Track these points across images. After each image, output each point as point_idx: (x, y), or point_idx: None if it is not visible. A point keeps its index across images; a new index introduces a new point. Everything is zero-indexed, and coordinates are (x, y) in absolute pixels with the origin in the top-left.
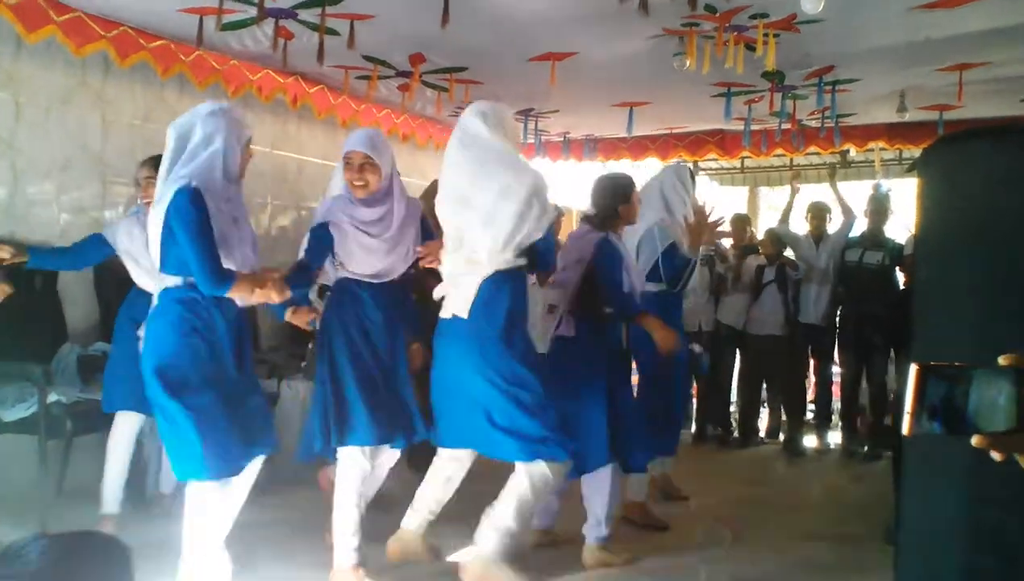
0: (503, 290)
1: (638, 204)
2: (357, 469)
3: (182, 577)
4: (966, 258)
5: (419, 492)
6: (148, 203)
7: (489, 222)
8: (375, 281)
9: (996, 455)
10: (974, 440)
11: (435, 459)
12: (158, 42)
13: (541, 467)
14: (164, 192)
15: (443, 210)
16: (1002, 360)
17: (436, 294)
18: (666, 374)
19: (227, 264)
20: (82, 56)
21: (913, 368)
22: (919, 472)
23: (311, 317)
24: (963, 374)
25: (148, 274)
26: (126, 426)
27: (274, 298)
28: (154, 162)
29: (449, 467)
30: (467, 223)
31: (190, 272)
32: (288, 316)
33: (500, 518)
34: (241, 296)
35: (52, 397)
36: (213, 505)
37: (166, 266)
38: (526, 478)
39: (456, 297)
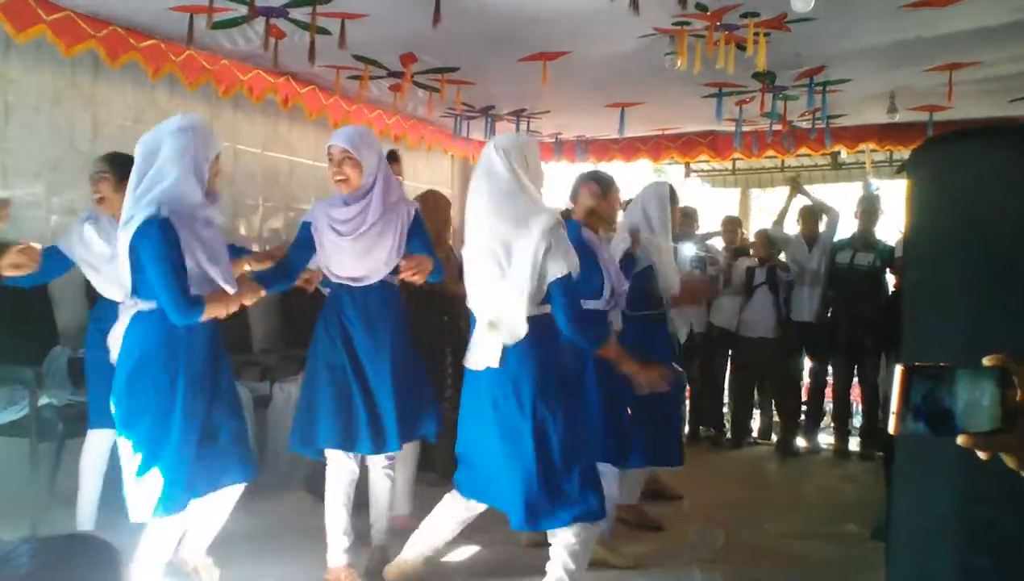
0: (534, 338)
1: (617, 202)
2: (342, 470)
3: None
4: (956, 259)
5: (426, 526)
6: (101, 200)
7: (510, 269)
8: (354, 284)
9: (982, 454)
10: (959, 440)
11: (449, 499)
12: (148, 42)
13: (574, 531)
14: (133, 214)
15: (472, 249)
16: (986, 361)
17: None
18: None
19: (206, 284)
20: (72, 56)
21: (898, 369)
22: (910, 469)
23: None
24: (948, 374)
25: (111, 283)
26: (97, 445)
27: (248, 302)
28: (110, 159)
29: (464, 514)
30: (491, 275)
31: None
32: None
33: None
34: (214, 316)
35: (43, 400)
36: (163, 539)
37: (139, 291)
38: (561, 547)
39: (484, 347)
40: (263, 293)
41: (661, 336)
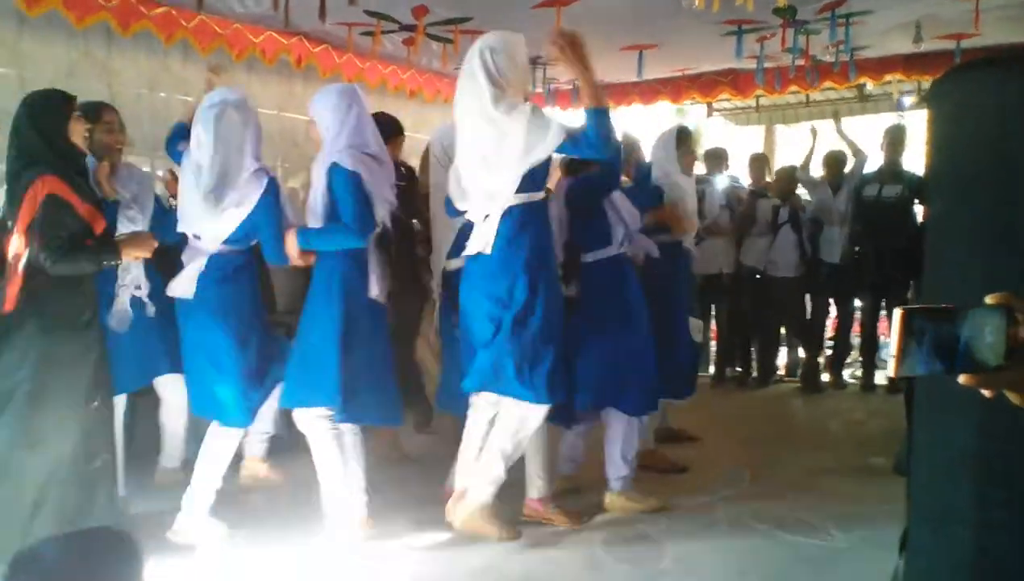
0: (526, 226)
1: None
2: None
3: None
4: (978, 192)
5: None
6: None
7: (494, 165)
8: None
9: (986, 392)
10: (962, 378)
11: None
12: (159, 9)
13: (520, 407)
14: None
15: (458, 150)
16: (989, 299)
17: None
18: (663, 317)
19: None
20: (84, 28)
21: (896, 312)
22: (929, 405)
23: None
24: (950, 314)
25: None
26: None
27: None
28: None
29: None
30: (475, 164)
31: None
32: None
33: (486, 464)
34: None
35: None
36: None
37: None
38: (506, 417)
39: (478, 235)
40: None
41: (681, 266)
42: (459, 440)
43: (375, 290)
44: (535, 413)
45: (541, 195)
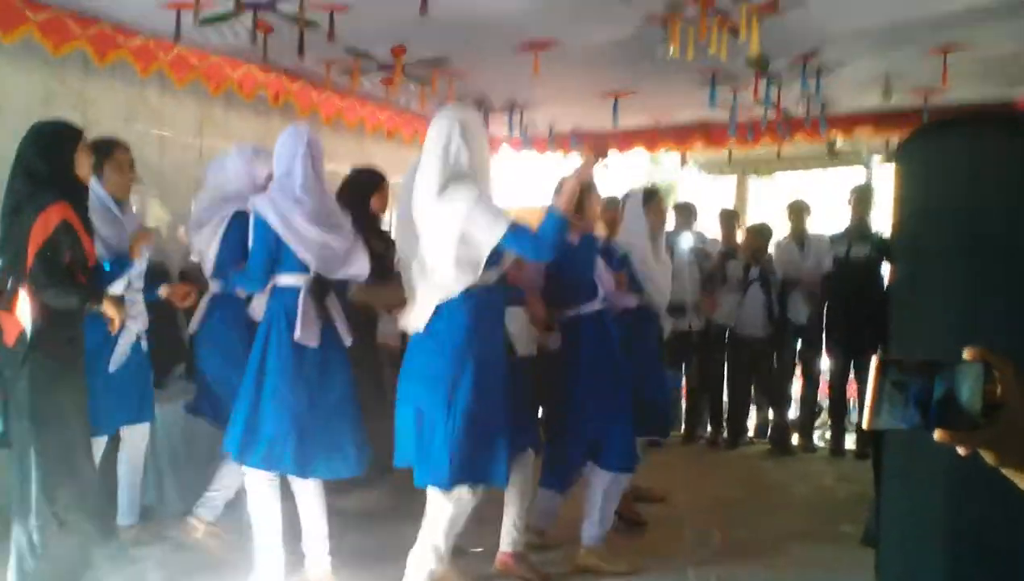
0: (464, 308)
1: (597, 200)
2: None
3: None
4: (943, 255)
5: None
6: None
7: (435, 248)
8: None
9: (961, 450)
10: (936, 435)
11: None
12: (137, 40)
13: (435, 494)
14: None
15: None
16: (967, 354)
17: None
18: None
19: None
20: (60, 56)
21: (873, 360)
22: (897, 469)
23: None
24: (927, 366)
25: None
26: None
27: None
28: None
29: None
30: (419, 244)
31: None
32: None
33: (417, 557)
34: None
35: None
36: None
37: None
38: (429, 506)
39: (416, 312)
40: None
41: (649, 330)
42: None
43: (298, 334)
44: (449, 501)
45: (490, 277)
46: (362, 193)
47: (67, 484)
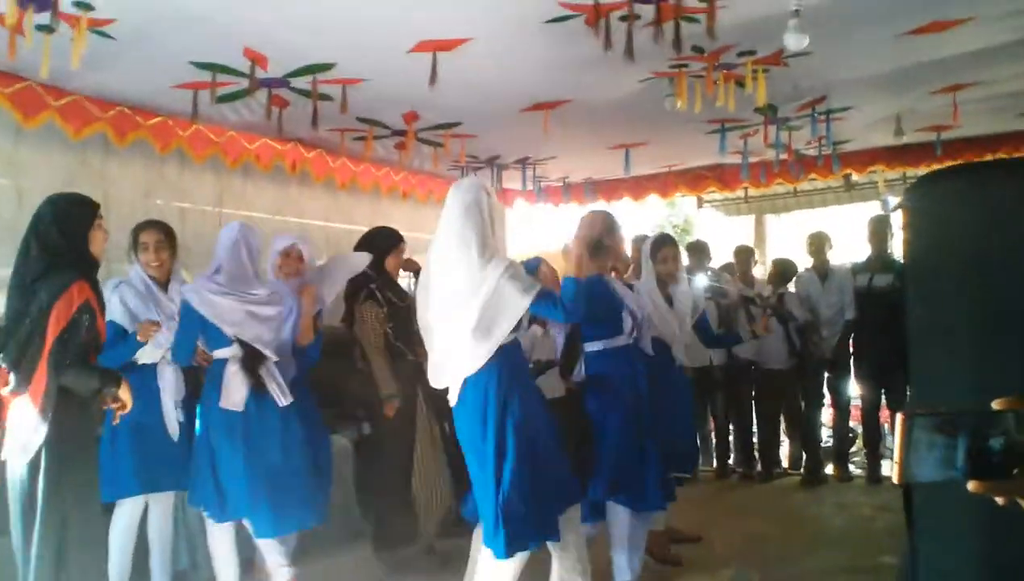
0: (492, 373)
1: (621, 240)
2: None
3: None
4: (957, 297)
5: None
6: (160, 265)
7: (463, 318)
8: None
9: (998, 500)
10: (970, 486)
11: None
12: (155, 119)
13: (489, 559)
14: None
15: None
16: (996, 404)
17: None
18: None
19: None
20: (80, 138)
21: (899, 416)
22: (930, 509)
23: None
24: (955, 418)
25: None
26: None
27: None
28: (166, 229)
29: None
30: (446, 312)
31: None
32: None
33: None
34: None
35: None
36: None
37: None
38: (481, 564)
39: (447, 382)
40: None
41: (672, 365)
42: None
43: (224, 402)
44: (504, 569)
45: (512, 336)
46: (377, 251)
47: (90, 562)
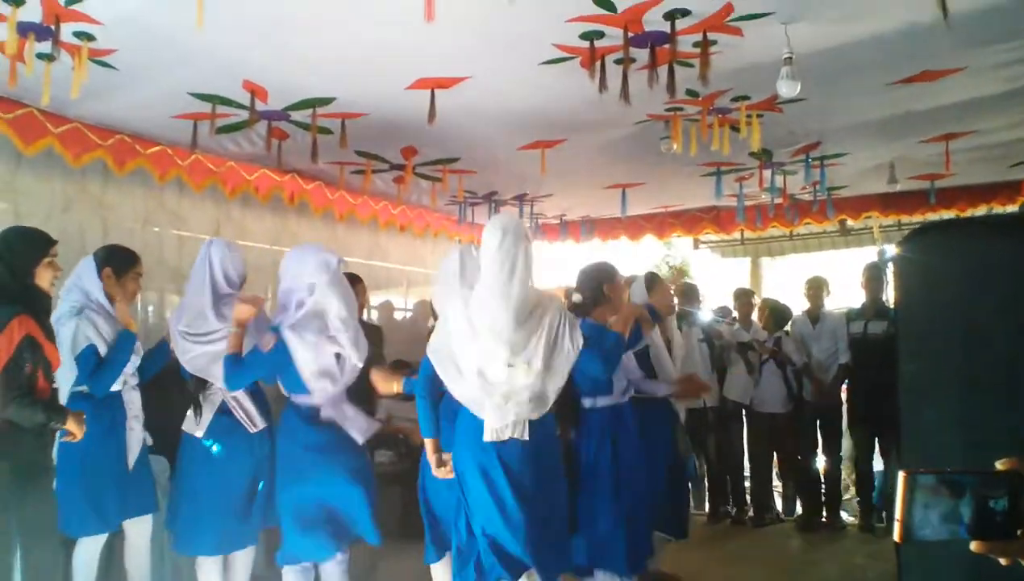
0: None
1: (625, 287)
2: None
3: None
4: (946, 354)
5: None
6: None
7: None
8: None
9: (1002, 561)
10: (973, 547)
11: None
12: (155, 148)
13: None
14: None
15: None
16: (1000, 464)
17: None
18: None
19: None
20: (80, 165)
21: (900, 475)
22: (921, 561)
23: None
24: (956, 478)
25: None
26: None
27: None
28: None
29: None
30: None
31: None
32: None
33: None
34: None
35: None
36: None
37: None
38: None
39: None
40: None
41: (664, 418)
42: None
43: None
44: None
45: None
46: None
47: None
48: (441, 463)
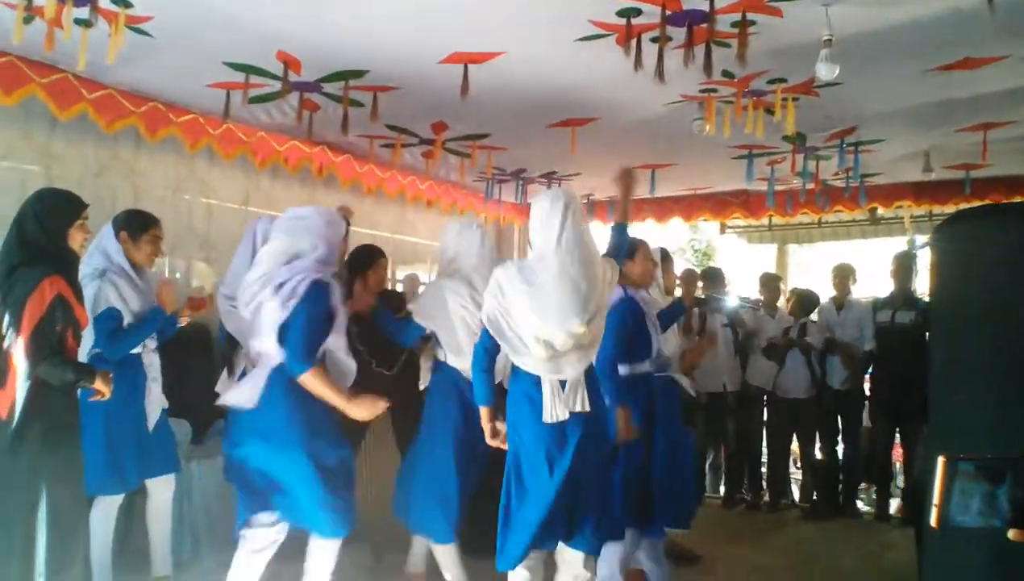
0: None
1: (649, 262)
2: None
3: None
4: (980, 339)
5: None
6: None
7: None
8: None
9: None
10: (1011, 534)
11: None
12: (187, 116)
13: None
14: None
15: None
16: None
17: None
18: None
19: None
20: (112, 132)
21: (940, 460)
22: (942, 550)
23: None
24: (996, 466)
25: None
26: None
27: None
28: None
29: None
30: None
31: None
32: None
33: None
34: None
35: None
36: None
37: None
38: None
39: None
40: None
41: (672, 399)
42: None
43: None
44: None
45: None
46: (351, 269)
47: (72, 554)
48: (495, 432)
